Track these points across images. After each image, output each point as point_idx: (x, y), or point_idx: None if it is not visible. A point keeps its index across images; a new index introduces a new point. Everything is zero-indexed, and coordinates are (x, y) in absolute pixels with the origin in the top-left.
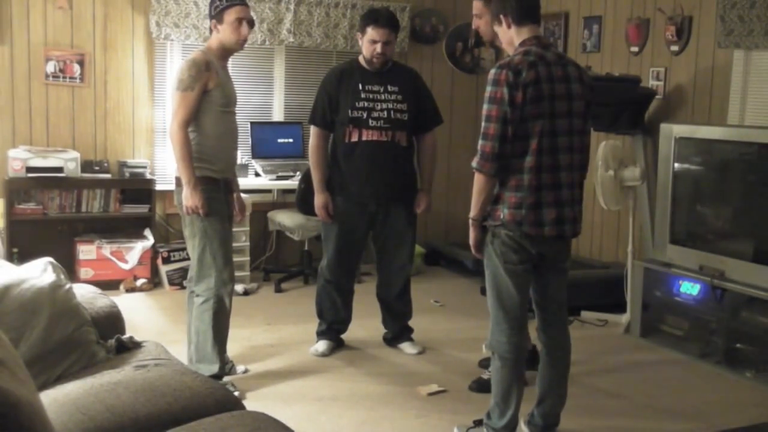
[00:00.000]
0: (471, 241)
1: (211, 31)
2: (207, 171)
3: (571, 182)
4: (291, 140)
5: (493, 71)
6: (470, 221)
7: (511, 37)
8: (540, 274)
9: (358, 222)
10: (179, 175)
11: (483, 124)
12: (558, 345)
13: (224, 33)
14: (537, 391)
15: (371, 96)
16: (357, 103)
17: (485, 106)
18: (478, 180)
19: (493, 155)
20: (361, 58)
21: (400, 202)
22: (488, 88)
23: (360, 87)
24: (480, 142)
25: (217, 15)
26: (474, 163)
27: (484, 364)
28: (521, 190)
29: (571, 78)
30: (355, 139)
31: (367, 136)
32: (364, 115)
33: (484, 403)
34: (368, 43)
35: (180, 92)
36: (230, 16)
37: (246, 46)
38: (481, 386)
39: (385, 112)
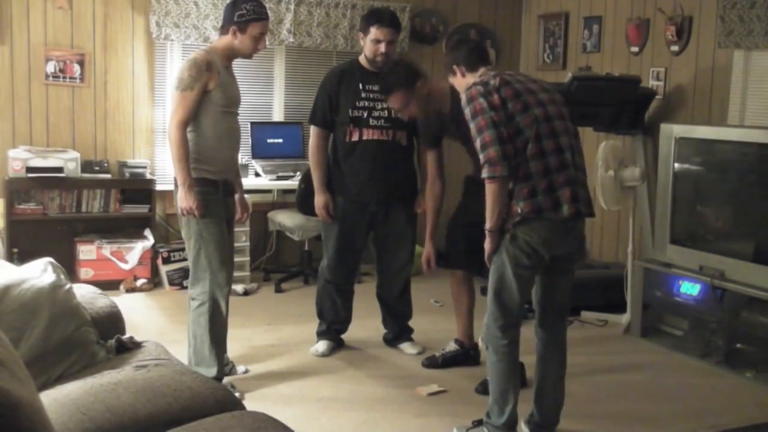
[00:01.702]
0: (488, 251)
1: (221, 32)
2: (204, 172)
3: (575, 164)
4: (291, 140)
5: (464, 94)
6: (487, 233)
7: (467, 82)
8: (547, 275)
9: (359, 222)
10: (175, 175)
11: (477, 140)
12: (555, 341)
13: (242, 42)
14: (534, 389)
15: (372, 96)
16: (358, 103)
17: (472, 124)
18: (493, 190)
19: (499, 157)
20: (361, 58)
21: (401, 202)
22: (467, 109)
23: (360, 87)
24: (481, 155)
25: (240, 24)
26: (484, 174)
27: (425, 363)
28: (531, 178)
29: (536, 79)
30: (355, 138)
31: (368, 135)
32: (365, 114)
33: (483, 404)
34: (372, 43)
35: (179, 92)
36: (255, 29)
37: None
38: (488, 388)
39: (386, 112)
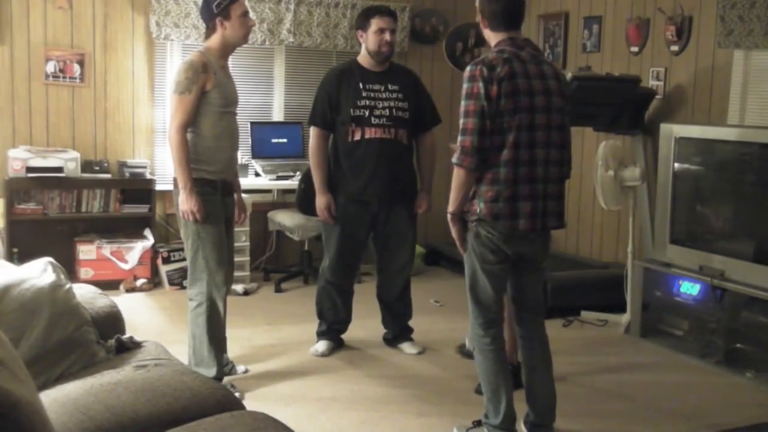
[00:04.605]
0: (453, 235)
1: (208, 31)
2: (203, 173)
3: (546, 177)
4: (291, 140)
5: (468, 68)
6: (449, 216)
7: (487, 36)
8: (518, 274)
9: (360, 222)
10: (176, 178)
11: (461, 120)
12: (534, 338)
13: (232, 28)
14: (524, 388)
15: (372, 95)
16: (359, 102)
17: (462, 103)
18: (458, 175)
19: (472, 149)
20: (359, 58)
21: (402, 202)
22: (464, 85)
23: (361, 86)
24: (459, 138)
25: (222, 11)
26: (454, 159)
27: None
28: (497, 183)
29: (546, 75)
30: (357, 137)
31: (370, 133)
32: (367, 113)
33: (483, 404)
34: (375, 34)
35: (177, 95)
36: (237, 10)
37: (246, 46)
38: None
39: (387, 110)
